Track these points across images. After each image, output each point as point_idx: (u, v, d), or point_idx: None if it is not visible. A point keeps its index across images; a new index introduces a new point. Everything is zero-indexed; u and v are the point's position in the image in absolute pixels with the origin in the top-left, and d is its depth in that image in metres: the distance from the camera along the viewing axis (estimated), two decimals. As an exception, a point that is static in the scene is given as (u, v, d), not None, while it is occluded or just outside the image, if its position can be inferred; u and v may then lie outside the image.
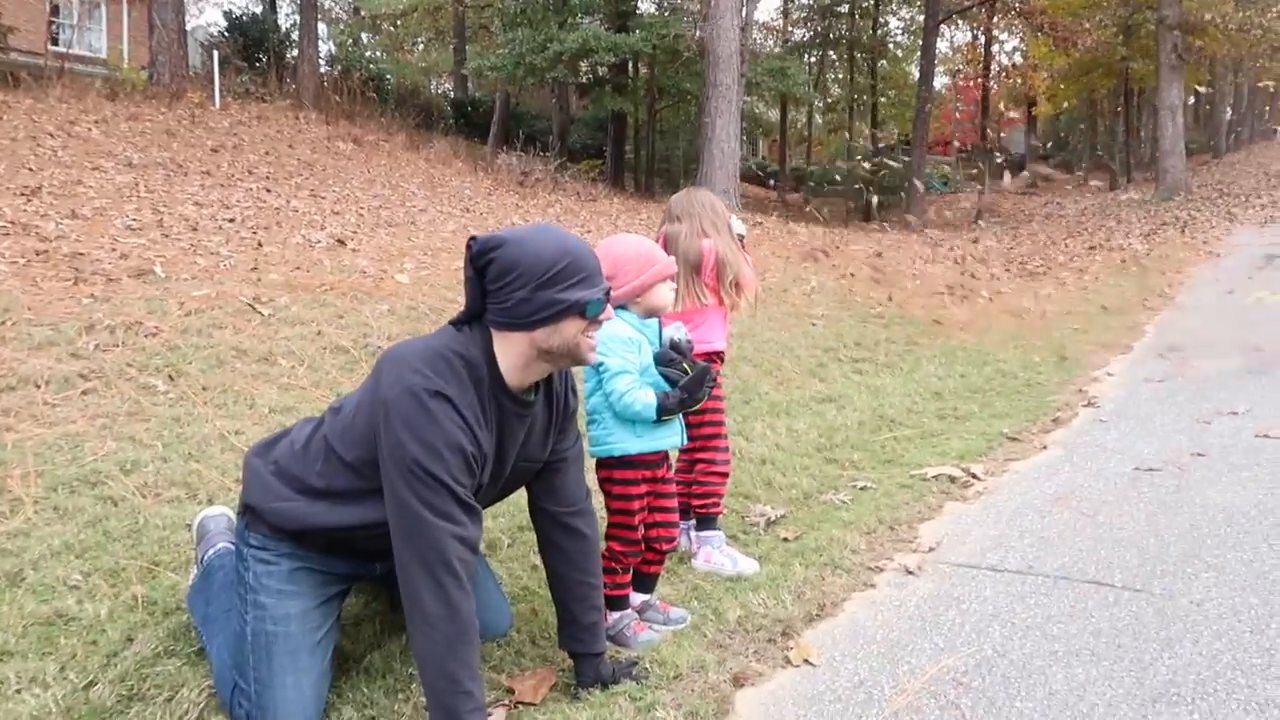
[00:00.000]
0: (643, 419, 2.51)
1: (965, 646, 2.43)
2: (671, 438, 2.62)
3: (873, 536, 3.29)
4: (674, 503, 2.71)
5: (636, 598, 2.67)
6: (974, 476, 3.99)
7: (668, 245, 3.14)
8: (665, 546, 2.68)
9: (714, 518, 3.16)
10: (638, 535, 2.58)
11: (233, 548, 2.29)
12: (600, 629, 2.31)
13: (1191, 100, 32.95)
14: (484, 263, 1.97)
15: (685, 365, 2.57)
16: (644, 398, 2.48)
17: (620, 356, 2.48)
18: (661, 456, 2.64)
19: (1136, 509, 3.46)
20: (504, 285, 1.96)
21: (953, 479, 3.95)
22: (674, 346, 2.62)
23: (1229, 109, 33.69)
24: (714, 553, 3.08)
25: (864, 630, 2.56)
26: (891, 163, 21.99)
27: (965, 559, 3.06)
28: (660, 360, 2.59)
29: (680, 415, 2.64)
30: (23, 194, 6.56)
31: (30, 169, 7.45)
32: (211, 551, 2.37)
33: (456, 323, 2.05)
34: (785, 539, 3.29)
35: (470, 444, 1.93)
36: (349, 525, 2.03)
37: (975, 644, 2.44)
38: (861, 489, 3.84)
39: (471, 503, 1.95)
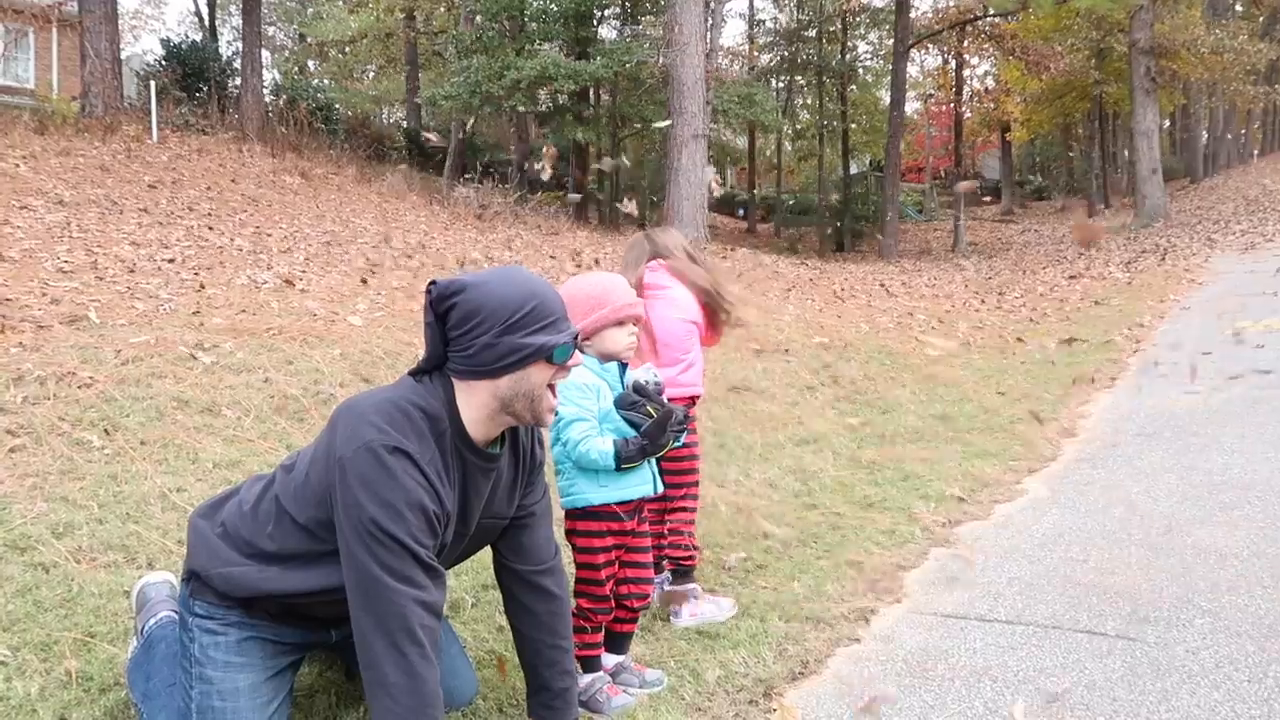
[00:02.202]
0: (600, 468, 2.49)
1: (956, 704, 2.44)
2: (640, 486, 2.59)
3: (855, 586, 3.31)
4: (648, 557, 2.70)
5: (610, 659, 2.65)
6: (958, 520, 4.02)
7: (679, 278, 3.25)
8: (637, 604, 2.66)
9: (692, 569, 3.17)
10: (605, 590, 2.57)
11: (176, 617, 2.24)
12: (572, 695, 2.29)
13: (1167, 124, 33.95)
14: (445, 308, 1.97)
15: (650, 408, 2.54)
16: (600, 446, 2.47)
17: (575, 404, 2.47)
18: (631, 508, 2.60)
19: (1127, 552, 3.51)
20: (467, 331, 1.96)
21: (937, 523, 3.98)
22: (636, 389, 2.58)
23: (1205, 133, 34.72)
24: (697, 603, 3.08)
25: (850, 688, 2.57)
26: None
27: (952, 609, 3.09)
28: (620, 403, 2.56)
29: (652, 462, 2.63)
30: (-56, 235, 6.47)
31: (-47, 208, 7.35)
32: (153, 621, 2.32)
33: (416, 373, 2.05)
34: (764, 590, 3.29)
35: (432, 502, 1.92)
36: (304, 591, 2.01)
37: (966, 700, 2.46)
38: (842, 536, 3.85)
39: (434, 565, 1.93)
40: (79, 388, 4.01)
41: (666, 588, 3.17)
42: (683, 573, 3.16)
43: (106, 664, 2.42)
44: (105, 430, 3.70)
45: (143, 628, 2.34)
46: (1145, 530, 3.74)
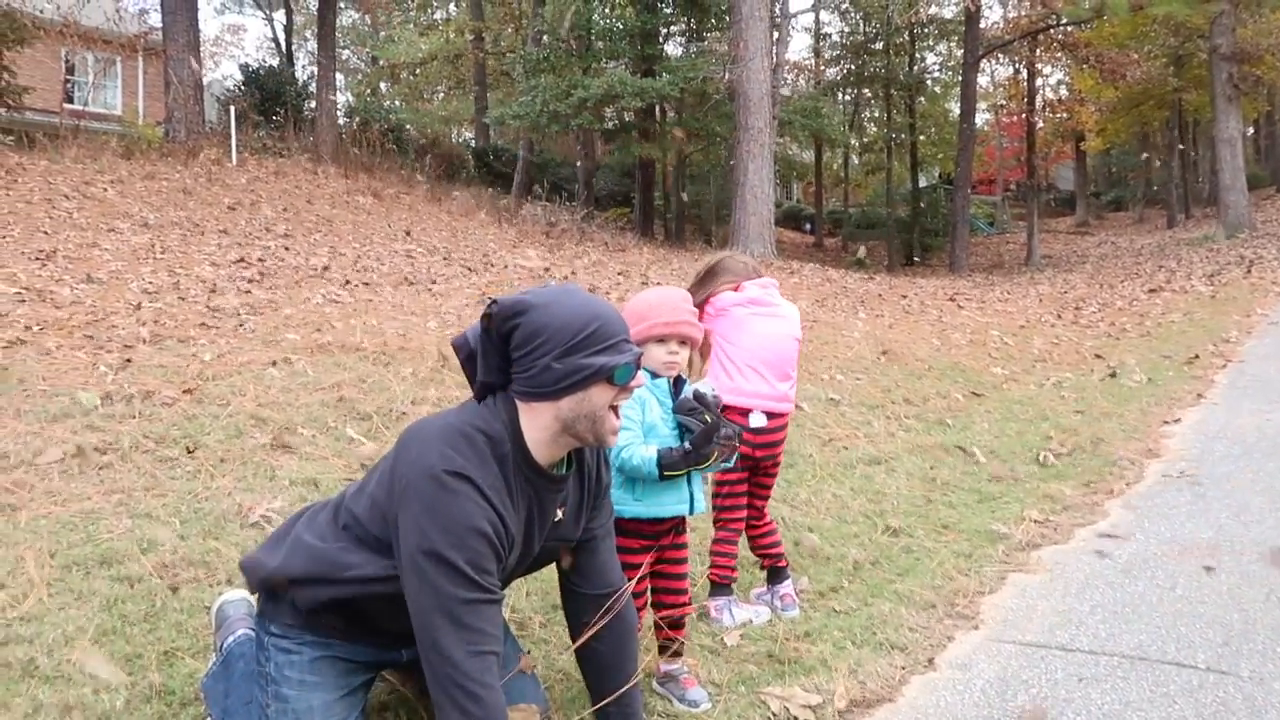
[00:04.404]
0: (644, 475, 2.50)
1: (1037, 737, 2.37)
2: (677, 505, 2.61)
3: (931, 612, 3.23)
4: (682, 569, 2.73)
5: (662, 666, 2.67)
6: (1037, 544, 3.91)
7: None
8: (667, 613, 2.68)
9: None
10: (639, 601, 2.62)
11: (253, 635, 2.28)
12: (640, 715, 2.27)
13: (1251, 131, 32.82)
14: (508, 329, 1.98)
15: (706, 417, 2.53)
16: (643, 453, 2.48)
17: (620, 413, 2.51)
18: (666, 526, 2.64)
19: (1217, 580, 3.37)
20: (529, 352, 1.96)
21: (1015, 547, 3.88)
22: (697, 396, 2.59)
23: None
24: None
25: (926, 718, 2.50)
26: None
27: (1032, 637, 2.99)
28: (679, 409, 2.58)
29: (695, 481, 2.63)
30: (38, 258, 6.74)
31: (45, 232, 7.66)
32: (231, 639, 2.37)
33: (482, 396, 2.05)
34: (835, 614, 3.24)
35: (494, 527, 1.92)
36: (366, 577, 2.00)
37: (1048, 734, 2.38)
38: (916, 559, 3.77)
39: (494, 590, 1.92)
40: (162, 406, 4.13)
41: (734, 608, 3.18)
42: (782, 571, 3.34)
43: (188, 679, 2.47)
44: (187, 448, 3.81)
45: (221, 645, 2.38)
46: (1236, 556, 3.59)
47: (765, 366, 3.22)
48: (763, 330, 3.24)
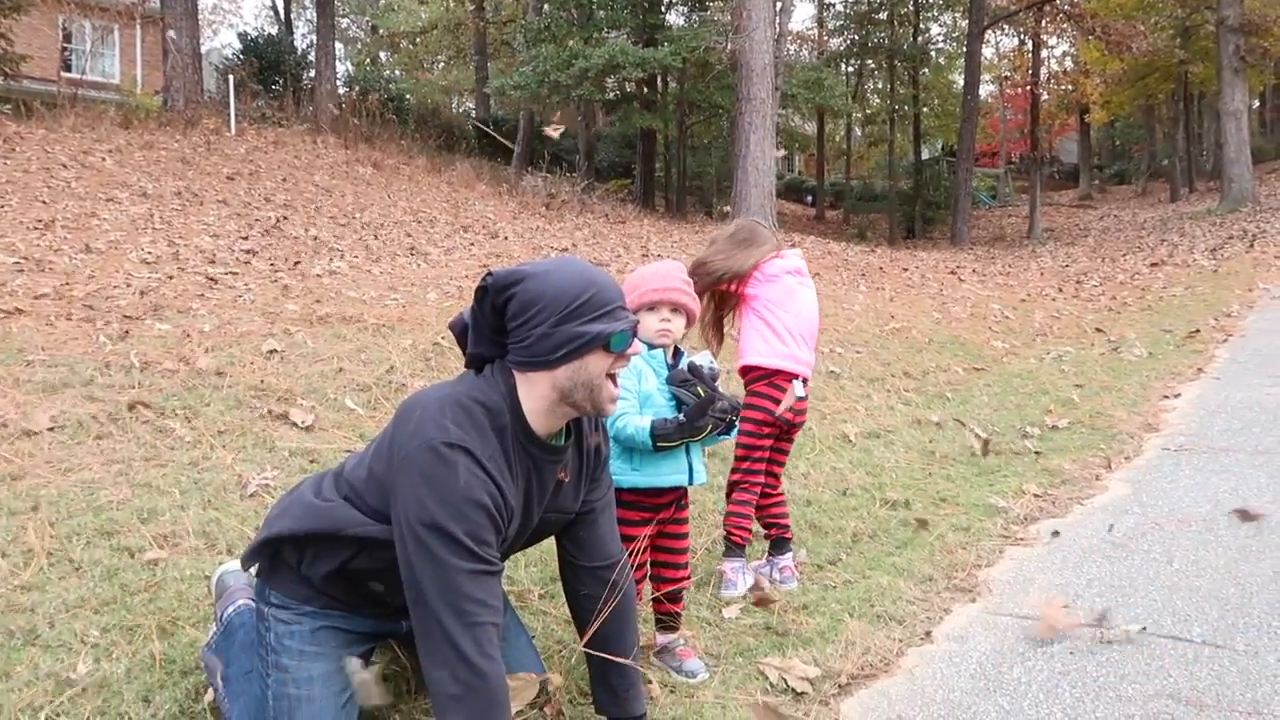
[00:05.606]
0: (637, 445, 2.50)
1: (1033, 710, 2.38)
2: (675, 475, 2.61)
3: (928, 585, 3.24)
4: (683, 544, 2.74)
5: (658, 638, 2.69)
6: (1035, 518, 3.92)
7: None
8: (665, 587, 2.70)
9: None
10: (639, 574, 2.61)
11: (253, 605, 2.29)
12: (640, 689, 2.28)
13: (1257, 104, 32.58)
14: (504, 299, 1.97)
15: (700, 390, 2.53)
16: (637, 422, 2.49)
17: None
18: (667, 499, 2.65)
19: (1215, 554, 3.38)
20: (525, 321, 1.95)
21: (1012, 521, 3.88)
22: (691, 369, 2.58)
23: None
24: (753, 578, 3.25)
25: (922, 690, 2.51)
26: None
27: (1029, 610, 3.00)
28: (672, 380, 2.57)
29: (694, 452, 2.63)
30: (36, 228, 6.71)
31: (43, 201, 7.62)
32: (231, 609, 2.38)
33: (476, 367, 2.04)
34: (833, 587, 3.25)
35: (494, 499, 1.91)
36: (367, 536, 2.00)
37: (1044, 706, 2.39)
38: (914, 532, 3.78)
39: (493, 561, 1.92)
40: (161, 376, 4.13)
41: (740, 573, 3.18)
42: (785, 543, 3.35)
43: (189, 648, 2.48)
44: (187, 418, 3.81)
45: (221, 615, 2.39)
46: (1233, 531, 3.60)
47: (807, 335, 3.27)
48: (806, 299, 3.30)
